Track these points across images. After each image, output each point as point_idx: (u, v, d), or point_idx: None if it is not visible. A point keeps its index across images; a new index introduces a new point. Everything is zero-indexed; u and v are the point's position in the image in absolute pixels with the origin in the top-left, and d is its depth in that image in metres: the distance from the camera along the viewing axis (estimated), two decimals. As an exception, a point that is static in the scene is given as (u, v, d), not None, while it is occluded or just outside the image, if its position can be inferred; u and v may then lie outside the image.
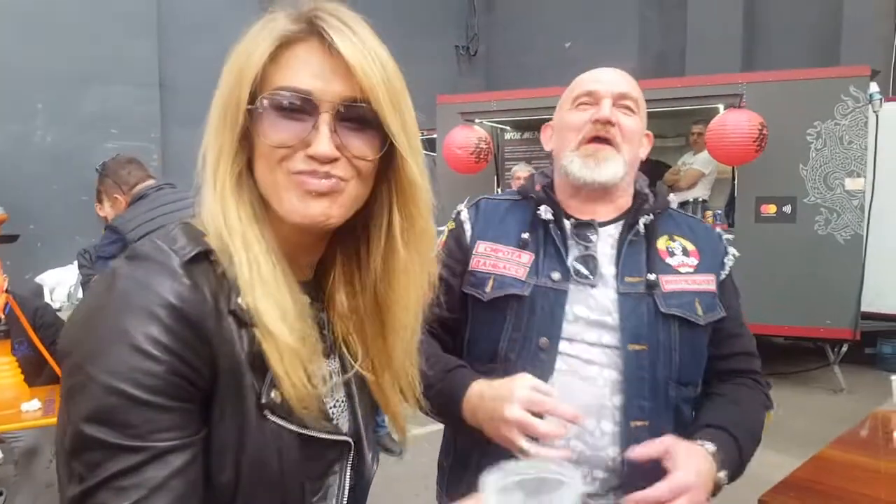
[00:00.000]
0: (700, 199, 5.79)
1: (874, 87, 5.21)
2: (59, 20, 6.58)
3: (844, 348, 5.30)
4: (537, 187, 1.28)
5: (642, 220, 1.21)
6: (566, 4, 9.17)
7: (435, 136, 6.54)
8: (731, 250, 1.29)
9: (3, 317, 2.61)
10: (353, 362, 0.78)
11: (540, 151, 6.69)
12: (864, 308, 5.30)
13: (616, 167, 1.20)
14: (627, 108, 1.22)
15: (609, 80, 1.24)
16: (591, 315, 1.16)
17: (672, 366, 1.15)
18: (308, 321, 0.70)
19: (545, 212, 1.21)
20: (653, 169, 6.68)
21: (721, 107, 5.33)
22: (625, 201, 1.27)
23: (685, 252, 1.23)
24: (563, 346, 1.15)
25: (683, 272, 1.20)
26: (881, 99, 5.22)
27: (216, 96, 0.71)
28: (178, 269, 0.62)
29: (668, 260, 1.21)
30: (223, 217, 0.67)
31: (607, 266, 1.19)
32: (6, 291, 2.71)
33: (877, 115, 5.24)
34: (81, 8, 6.73)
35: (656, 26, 8.83)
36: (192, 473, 0.61)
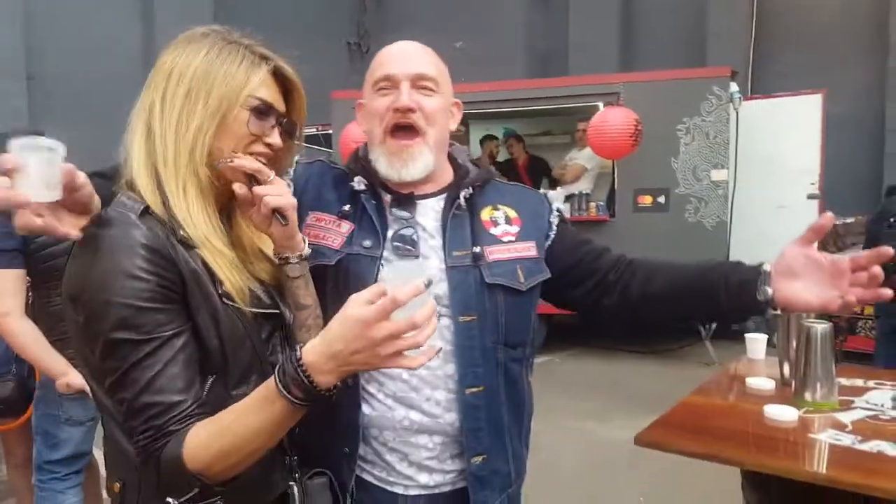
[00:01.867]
0: (584, 192, 6.13)
1: (734, 87, 5.75)
2: None
3: (714, 325, 5.80)
4: (356, 159, 1.27)
5: (463, 194, 1.23)
6: (455, 5, 9.41)
7: (330, 131, 6.51)
8: (556, 206, 1.34)
9: None
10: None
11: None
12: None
13: (424, 162, 1.20)
14: (427, 88, 1.20)
15: (406, 60, 1.21)
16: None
17: (499, 331, 1.20)
18: (226, 241, 1.00)
19: (358, 183, 1.23)
20: (533, 165, 7.03)
21: (601, 104, 5.69)
22: (446, 176, 1.28)
23: (508, 220, 1.26)
24: None
25: (506, 241, 1.24)
26: (741, 97, 5.77)
27: (180, 97, 0.98)
28: (136, 220, 0.91)
29: (492, 230, 1.24)
30: (171, 173, 0.97)
31: (433, 238, 1.21)
32: None
33: (737, 112, 5.78)
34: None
35: (541, 28, 9.25)
36: (190, 348, 0.92)
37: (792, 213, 6.08)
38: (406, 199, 1.22)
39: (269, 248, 1.08)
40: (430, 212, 1.23)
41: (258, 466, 0.93)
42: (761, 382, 1.91)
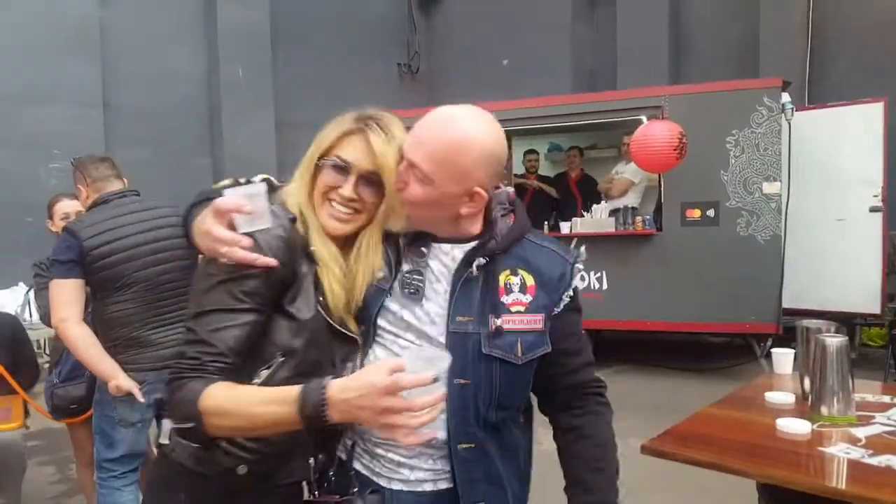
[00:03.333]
0: (630, 206, 6.09)
1: (786, 98, 5.62)
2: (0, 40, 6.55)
3: (770, 342, 5.63)
4: None
5: (476, 263, 1.22)
6: (503, 23, 9.52)
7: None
8: (576, 282, 1.33)
9: None
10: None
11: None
12: (785, 304, 5.66)
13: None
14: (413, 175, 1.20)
15: (419, 147, 1.18)
16: (414, 321, 1.23)
17: (493, 396, 1.23)
18: (341, 267, 1.19)
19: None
20: (585, 181, 7.02)
21: (644, 118, 5.66)
22: (473, 228, 1.28)
23: (523, 288, 1.26)
24: (383, 340, 1.23)
25: (514, 311, 1.24)
26: (793, 108, 5.63)
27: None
28: (288, 222, 1.16)
29: (504, 298, 1.24)
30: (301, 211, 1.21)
31: (438, 283, 1.24)
32: None
33: (789, 123, 5.64)
34: (21, 28, 6.71)
35: (588, 43, 9.25)
36: (261, 326, 1.12)
37: (852, 227, 5.86)
38: (421, 238, 1.25)
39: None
40: (442, 255, 1.26)
41: (278, 450, 1.13)
42: (780, 396, 1.90)
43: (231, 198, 1.09)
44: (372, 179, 1.17)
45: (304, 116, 8.52)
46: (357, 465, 1.27)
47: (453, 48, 9.98)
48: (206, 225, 1.11)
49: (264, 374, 1.11)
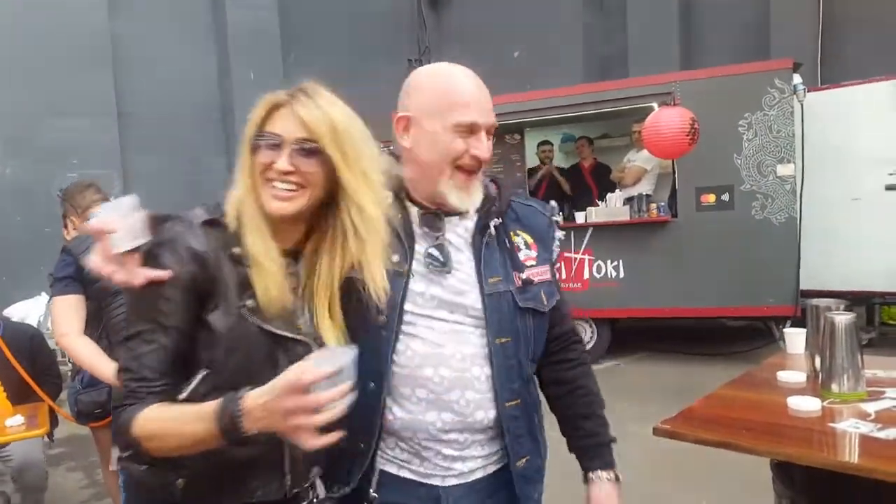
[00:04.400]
0: (645, 194, 6.08)
1: (797, 79, 5.57)
2: (14, 54, 6.68)
3: (788, 324, 5.61)
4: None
5: (492, 223, 1.31)
6: (512, 15, 9.52)
7: (392, 147, 6.73)
8: (558, 234, 1.44)
9: None
10: (310, 297, 1.16)
11: (495, 156, 6.95)
12: (803, 286, 5.63)
13: (479, 194, 1.33)
14: (490, 135, 1.30)
15: (486, 109, 1.28)
16: (446, 295, 1.27)
17: (529, 348, 1.33)
18: (279, 264, 1.11)
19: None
20: (598, 170, 7.02)
21: (656, 105, 5.65)
22: (477, 197, 1.35)
23: (527, 245, 1.36)
24: (412, 328, 1.25)
25: (529, 265, 1.34)
26: (805, 89, 5.58)
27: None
28: (196, 226, 1.10)
29: (519, 255, 1.34)
30: (239, 205, 1.12)
31: (461, 253, 1.30)
32: None
33: (801, 105, 5.60)
34: (33, 42, 6.84)
35: (598, 32, 9.21)
36: (181, 342, 1.07)
37: (868, 206, 5.81)
38: (434, 215, 1.30)
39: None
40: (454, 228, 1.31)
41: (233, 468, 1.08)
42: (791, 375, 1.92)
43: (97, 219, 1.05)
44: (306, 149, 1.09)
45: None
46: (405, 474, 1.29)
47: (463, 42, 9.97)
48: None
49: (187, 389, 1.07)
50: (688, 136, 5.10)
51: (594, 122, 7.20)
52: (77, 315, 2.41)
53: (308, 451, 1.05)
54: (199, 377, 1.08)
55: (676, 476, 3.50)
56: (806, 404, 1.67)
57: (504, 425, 1.28)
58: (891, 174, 5.79)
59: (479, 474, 1.30)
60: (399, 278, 1.24)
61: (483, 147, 1.26)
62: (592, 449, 1.42)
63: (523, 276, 1.31)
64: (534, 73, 8.48)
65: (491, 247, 1.31)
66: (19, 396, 2.99)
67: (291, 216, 1.11)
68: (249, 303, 1.08)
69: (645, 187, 6.24)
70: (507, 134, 6.93)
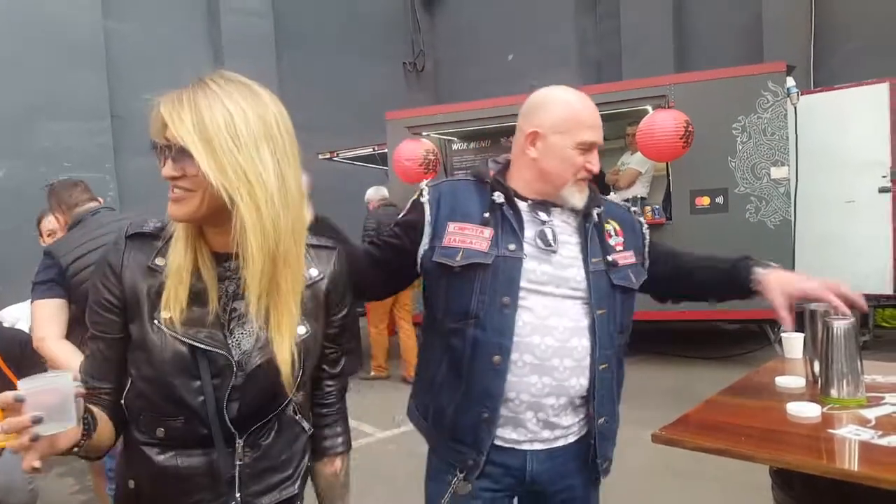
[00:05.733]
0: (639, 197, 6.08)
1: (791, 82, 5.59)
2: (5, 56, 6.63)
3: (782, 327, 5.60)
4: (491, 174, 1.58)
5: (595, 212, 1.56)
6: (506, 19, 9.53)
7: (386, 150, 6.73)
8: (644, 224, 1.70)
9: None
10: (252, 304, 1.10)
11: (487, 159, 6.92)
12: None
13: (587, 192, 1.57)
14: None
15: (601, 130, 1.54)
16: (554, 272, 1.49)
17: (618, 321, 1.55)
18: (198, 275, 1.11)
19: (498, 197, 1.53)
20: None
21: (650, 108, 5.65)
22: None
23: (616, 233, 1.60)
24: (525, 301, 1.46)
25: (619, 250, 1.58)
26: (798, 92, 5.60)
27: None
28: (122, 240, 1.13)
29: (610, 241, 1.57)
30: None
31: (566, 238, 1.53)
32: None
33: (795, 108, 5.61)
34: (26, 43, 6.79)
35: (592, 35, 9.23)
36: (109, 354, 1.14)
37: (862, 208, 5.83)
38: (542, 205, 1.53)
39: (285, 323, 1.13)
40: (561, 216, 1.56)
41: (173, 478, 1.12)
42: (790, 381, 1.90)
43: (24, 392, 0.92)
44: (176, 151, 1.03)
45: (310, 119, 8.57)
46: (498, 442, 1.48)
47: (458, 45, 9.99)
48: None
49: (123, 395, 1.14)
50: (682, 139, 5.11)
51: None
52: (56, 319, 2.35)
53: (251, 473, 1.15)
54: (128, 383, 1.14)
55: (675, 480, 3.49)
56: (805, 410, 1.66)
57: (593, 386, 1.48)
58: (884, 177, 5.81)
59: (560, 442, 1.51)
60: (517, 263, 1.46)
61: (596, 162, 1.52)
62: (739, 262, 1.67)
63: (612, 258, 1.54)
64: (528, 76, 8.47)
65: (592, 232, 1.54)
66: None
67: (190, 219, 1.07)
68: (164, 314, 1.08)
69: (639, 190, 6.24)
70: (502, 137, 6.92)
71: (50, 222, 3.08)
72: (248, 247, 1.04)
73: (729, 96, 5.62)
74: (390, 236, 1.61)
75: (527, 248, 1.48)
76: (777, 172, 5.56)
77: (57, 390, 0.93)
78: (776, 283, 1.61)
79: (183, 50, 8.10)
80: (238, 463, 1.13)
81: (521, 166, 1.56)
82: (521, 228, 1.50)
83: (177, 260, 1.09)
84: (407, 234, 1.57)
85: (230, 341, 1.12)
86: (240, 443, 1.13)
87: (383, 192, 6.27)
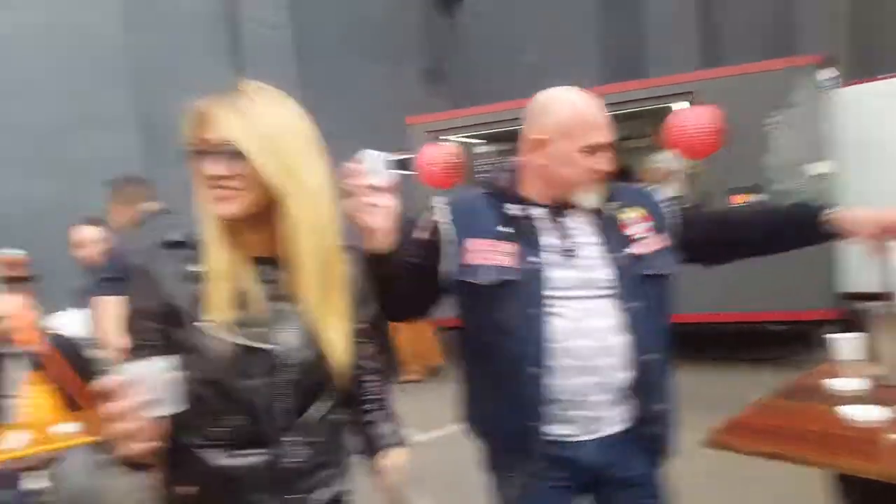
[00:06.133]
0: (674, 196, 5.92)
1: (828, 74, 5.41)
2: (37, 73, 6.76)
3: (830, 328, 5.41)
4: (501, 184, 1.56)
5: (608, 207, 1.53)
6: (526, 17, 9.44)
7: (408, 156, 6.71)
8: (669, 203, 1.62)
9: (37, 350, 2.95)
10: (296, 304, 1.16)
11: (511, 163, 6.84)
12: (843, 289, 5.42)
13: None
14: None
15: (607, 129, 1.51)
16: (581, 275, 1.47)
17: (657, 309, 1.52)
18: (239, 278, 1.12)
19: (512, 209, 1.51)
20: (622, 174, 6.85)
21: (678, 105, 5.51)
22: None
23: (638, 219, 1.54)
24: (555, 309, 1.45)
25: (643, 238, 1.52)
26: (836, 83, 5.41)
27: None
28: (159, 250, 1.16)
29: (631, 230, 1.52)
30: (201, 217, 1.14)
31: (586, 239, 1.50)
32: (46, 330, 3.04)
33: (833, 100, 5.42)
34: (56, 61, 6.91)
35: (615, 32, 9.10)
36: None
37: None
38: (559, 210, 1.51)
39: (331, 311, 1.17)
40: (575, 216, 1.52)
41: (224, 481, 1.12)
42: (845, 383, 1.80)
43: (125, 376, 0.96)
44: (228, 152, 1.09)
45: (331, 128, 8.56)
46: (553, 439, 1.48)
47: (477, 47, 9.94)
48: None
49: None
50: (713, 135, 4.97)
51: (614, 124, 7.06)
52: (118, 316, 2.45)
53: (316, 471, 1.17)
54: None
55: (726, 486, 3.36)
56: (865, 414, 1.56)
57: (642, 376, 1.46)
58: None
59: (614, 429, 1.50)
60: (539, 273, 1.45)
61: (607, 161, 1.49)
62: (802, 204, 1.76)
63: (635, 249, 1.49)
64: (550, 76, 8.36)
65: (608, 227, 1.51)
66: (73, 406, 3.03)
67: (239, 217, 1.11)
68: (211, 317, 1.09)
69: (673, 189, 6.09)
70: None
71: (80, 232, 3.13)
72: (298, 244, 1.11)
73: (762, 91, 5.44)
74: (411, 256, 1.51)
75: (548, 256, 1.47)
76: (817, 168, 5.36)
77: (161, 373, 0.95)
78: (861, 214, 1.49)
79: (205, 61, 8.17)
80: (291, 459, 1.14)
81: (531, 173, 1.54)
82: (540, 237, 1.48)
83: (215, 264, 1.10)
84: (428, 254, 1.52)
85: (278, 339, 1.14)
86: (293, 439, 1.15)
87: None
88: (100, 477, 3.01)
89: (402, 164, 6.82)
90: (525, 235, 1.48)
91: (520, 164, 1.58)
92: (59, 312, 5.66)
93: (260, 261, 1.15)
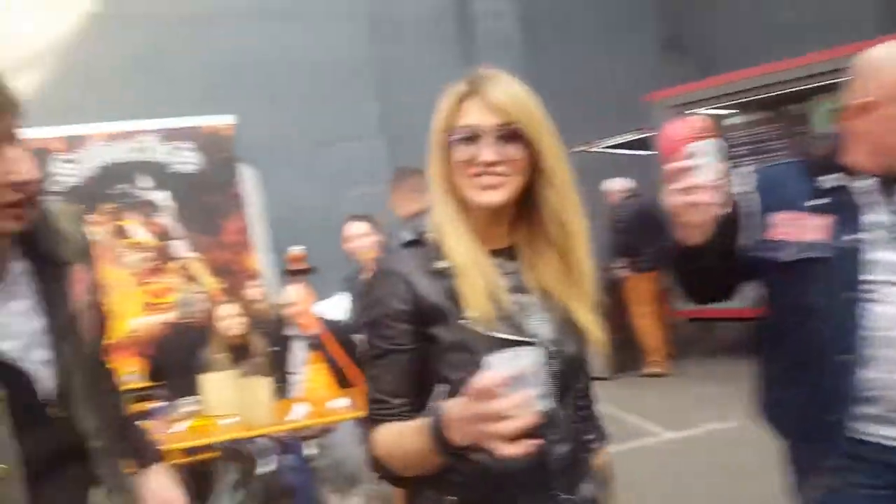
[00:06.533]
0: None
1: None
2: (292, 87, 7.61)
3: None
4: (818, 153, 1.46)
5: None
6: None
7: (645, 135, 6.36)
8: None
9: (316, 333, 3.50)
10: (539, 294, 1.14)
11: (765, 133, 6.09)
12: None
13: None
14: None
15: None
16: None
17: None
18: (486, 268, 1.10)
19: (829, 180, 1.39)
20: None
21: None
22: None
23: None
24: (877, 294, 1.32)
25: None
26: None
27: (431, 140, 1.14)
28: (399, 250, 1.15)
29: None
30: (436, 213, 1.13)
31: None
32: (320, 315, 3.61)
33: None
34: (309, 74, 7.78)
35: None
36: (410, 363, 1.10)
37: None
38: (888, 184, 1.35)
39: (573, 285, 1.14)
40: None
41: (498, 483, 1.06)
42: None
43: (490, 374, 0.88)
44: (507, 134, 1.06)
45: (564, 113, 8.41)
46: (869, 439, 1.34)
47: (726, 8, 9.02)
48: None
49: (430, 405, 1.08)
50: None
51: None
52: None
53: (575, 468, 1.12)
54: (440, 392, 1.08)
55: None
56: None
57: None
58: None
59: None
60: (857, 252, 1.33)
61: None
62: None
63: None
64: (806, 37, 7.31)
65: None
66: (344, 384, 3.51)
67: (500, 207, 1.09)
68: (471, 313, 1.06)
69: None
70: (786, 105, 6.04)
71: (349, 228, 3.45)
72: (552, 232, 1.11)
73: None
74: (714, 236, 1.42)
75: (872, 234, 1.34)
76: None
77: (534, 364, 0.90)
78: None
79: (439, 60, 8.58)
80: (556, 456, 1.11)
81: (855, 141, 1.40)
82: (862, 213, 1.36)
83: (463, 258, 1.08)
84: (727, 229, 1.39)
85: (535, 331, 1.11)
86: (560, 433, 1.12)
87: (627, 183, 6.28)
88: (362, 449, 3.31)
89: (643, 144, 6.49)
90: (843, 210, 1.36)
91: (841, 132, 1.44)
92: (328, 299, 6.41)
93: (494, 253, 1.14)
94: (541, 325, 1.12)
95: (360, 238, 3.32)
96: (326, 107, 7.74)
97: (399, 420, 1.07)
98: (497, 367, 0.87)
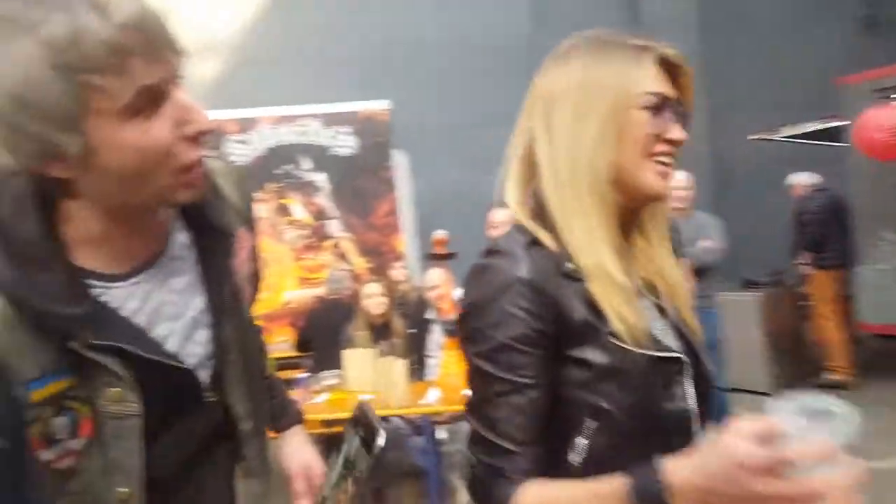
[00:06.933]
0: None
1: None
2: (450, 75, 7.65)
3: None
4: None
5: None
6: None
7: (836, 122, 5.66)
8: None
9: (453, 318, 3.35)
10: (656, 298, 0.98)
11: None
12: None
13: None
14: None
15: None
16: None
17: None
18: (622, 270, 0.90)
19: None
20: None
21: None
22: None
23: None
24: None
25: None
26: None
27: (568, 118, 0.94)
28: (522, 253, 0.90)
29: None
30: (567, 200, 0.92)
31: None
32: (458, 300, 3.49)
33: None
34: (468, 60, 7.75)
35: None
36: (541, 403, 0.87)
37: None
38: None
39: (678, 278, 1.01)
40: None
41: None
42: None
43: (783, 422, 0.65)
44: (685, 114, 0.93)
45: (737, 97, 7.73)
46: None
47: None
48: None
49: (582, 444, 0.87)
50: None
51: None
52: None
53: None
54: (588, 432, 0.87)
55: None
56: None
57: None
58: None
59: None
60: None
61: None
62: None
63: None
64: None
65: None
66: None
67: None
68: (617, 326, 0.87)
69: None
70: None
71: (494, 215, 3.35)
72: (663, 227, 1.00)
73: None
74: None
75: None
76: None
77: (845, 425, 0.63)
78: None
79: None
80: None
81: None
82: None
83: (597, 259, 0.88)
84: None
85: (666, 341, 0.94)
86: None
87: (813, 178, 5.80)
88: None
89: (833, 134, 5.81)
90: None
91: None
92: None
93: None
94: (665, 335, 0.94)
95: (506, 225, 3.22)
96: (480, 91, 7.71)
97: (526, 474, 0.85)
98: (803, 428, 0.63)
